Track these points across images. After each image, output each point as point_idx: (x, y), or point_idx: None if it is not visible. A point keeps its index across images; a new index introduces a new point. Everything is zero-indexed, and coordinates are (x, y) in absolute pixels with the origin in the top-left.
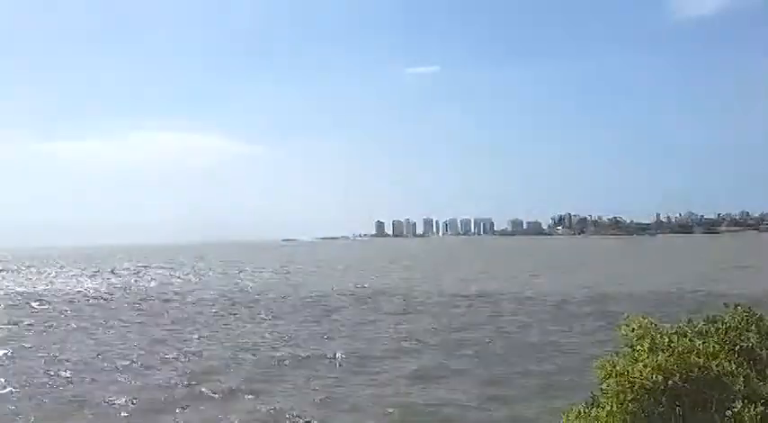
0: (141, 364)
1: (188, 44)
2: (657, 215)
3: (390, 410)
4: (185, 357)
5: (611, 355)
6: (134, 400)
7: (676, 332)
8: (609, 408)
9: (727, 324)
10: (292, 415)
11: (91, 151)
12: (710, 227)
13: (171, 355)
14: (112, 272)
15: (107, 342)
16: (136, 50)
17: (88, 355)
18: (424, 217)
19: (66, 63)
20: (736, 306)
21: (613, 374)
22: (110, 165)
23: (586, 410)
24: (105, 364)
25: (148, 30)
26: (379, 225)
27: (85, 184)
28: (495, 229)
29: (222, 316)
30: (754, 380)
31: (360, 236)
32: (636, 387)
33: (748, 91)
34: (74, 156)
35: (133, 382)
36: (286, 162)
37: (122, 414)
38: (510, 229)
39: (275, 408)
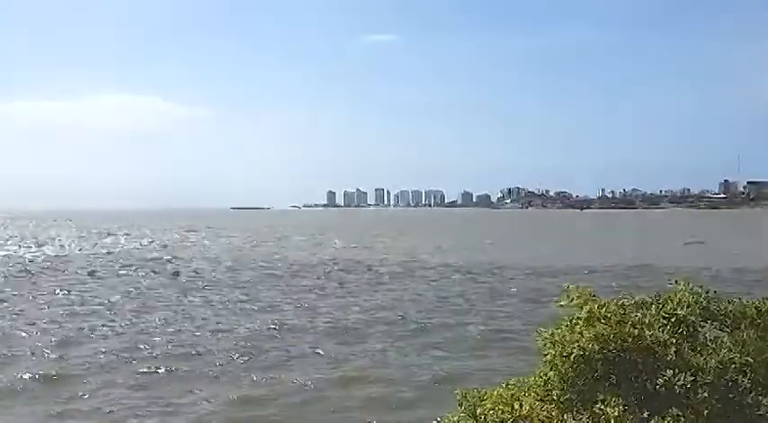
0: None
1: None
2: (602, 190)
3: (328, 375)
4: (111, 330)
5: (551, 325)
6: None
7: (615, 303)
8: (546, 375)
9: (666, 298)
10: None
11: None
12: (652, 202)
13: (90, 327)
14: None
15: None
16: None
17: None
18: (376, 188)
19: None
20: (675, 282)
21: (551, 343)
22: (49, 126)
23: (525, 379)
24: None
25: None
26: (331, 195)
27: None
28: (446, 200)
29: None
30: (687, 351)
31: (310, 205)
32: (572, 356)
33: (699, 71)
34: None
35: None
36: (238, 131)
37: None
38: (460, 201)
39: (198, 386)
